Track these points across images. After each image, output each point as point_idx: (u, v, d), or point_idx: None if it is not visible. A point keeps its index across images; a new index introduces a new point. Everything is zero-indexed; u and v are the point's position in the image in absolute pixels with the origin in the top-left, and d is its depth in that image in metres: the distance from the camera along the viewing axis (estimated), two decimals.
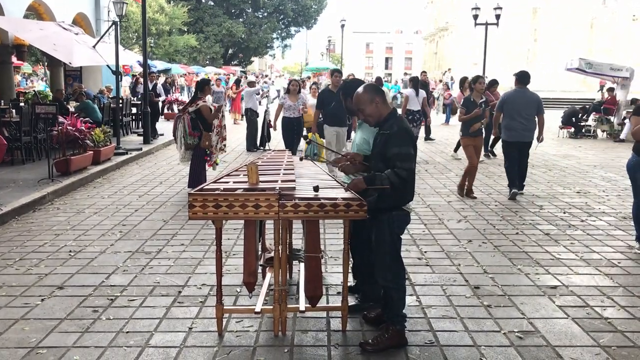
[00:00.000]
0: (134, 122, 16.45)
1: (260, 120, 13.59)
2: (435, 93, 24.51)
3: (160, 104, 18.77)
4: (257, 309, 3.69)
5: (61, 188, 8.14)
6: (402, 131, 3.41)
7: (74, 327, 3.78)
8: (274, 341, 3.61)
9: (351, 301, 4.00)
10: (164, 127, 15.62)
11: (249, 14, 51.00)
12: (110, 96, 15.50)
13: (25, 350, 3.47)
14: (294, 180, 3.64)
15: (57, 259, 5.23)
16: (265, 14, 51.53)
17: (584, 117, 17.40)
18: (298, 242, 5.38)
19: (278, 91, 28.02)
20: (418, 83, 11.90)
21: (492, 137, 11.17)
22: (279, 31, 54.52)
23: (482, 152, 9.68)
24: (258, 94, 14.72)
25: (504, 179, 8.41)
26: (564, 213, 7.11)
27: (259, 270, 4.03)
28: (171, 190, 8.46)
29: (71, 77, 17.80)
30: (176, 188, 8.58)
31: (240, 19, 50.13)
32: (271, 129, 11.99)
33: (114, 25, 12.32)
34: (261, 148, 13.17)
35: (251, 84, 14.76)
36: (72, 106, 12.66)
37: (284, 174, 3.90)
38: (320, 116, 9.41)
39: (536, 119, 7.93)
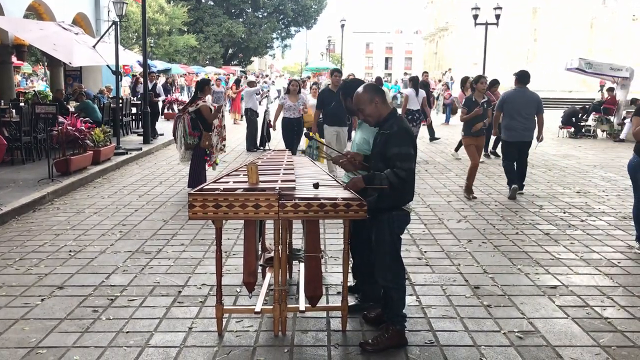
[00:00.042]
0: (134, 122, 16.46)
1: (260, 120, 13.59)
2: (435, 93, 24.49)
3: (160, 104, 18.78)
4: (257, 309, 3.69)
5: (61, 188, 8.14)
6: (402, 131, 3.41)
7: (74, 327, 3.78)
8: (274, 341, 3.61)
9: (351, 301, 4.00)
10: (164, 127, 15.62)
11: (249, 14, 50.99)
12: (110, 96, 15.49)
13: (25, 350, 3.47)
14: (294, 180, 3.64)
15: (57, 258, 5.23)
16: (265, 14, 51.53)
17: (584, 117, 17.39)
18: (298, 242, 5.38)
19: (278, 91, 28.04)
20: (418, 83, 11.91)
21: (493, 137, 11.14)
22: (279, 31, 54.52)
23: (482, 153, 9.66)
24: (258, 94, 14.71)
25: (504, 179, 8.42)
26: (564, 213, 7.11)
27: (259, 270, 4.03)
28: (171, 190, 8.46)
29: (71, 77, 17.78)
30: (176, 188, 8.58)
31: (240, 19, 50.12)
32: (271, 129, 11.99)
33: (114, 25, 12.32)
34: (261, 148, 13.17)
35: (251, 84, 14.74)
36: (72, 106, 12.65)
37: (283, 174, 3.90)
38: (320, 116, 9.42)
39: (536, 118, 7.95)
